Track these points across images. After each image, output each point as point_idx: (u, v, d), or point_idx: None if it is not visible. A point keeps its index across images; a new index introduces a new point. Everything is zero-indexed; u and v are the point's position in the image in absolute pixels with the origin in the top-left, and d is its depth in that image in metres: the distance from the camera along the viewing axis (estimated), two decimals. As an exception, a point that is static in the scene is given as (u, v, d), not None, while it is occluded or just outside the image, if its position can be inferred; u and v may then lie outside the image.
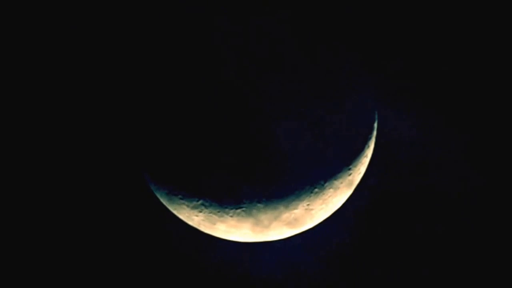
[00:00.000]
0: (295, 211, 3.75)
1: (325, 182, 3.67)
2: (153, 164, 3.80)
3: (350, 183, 4.01)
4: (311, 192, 3.66)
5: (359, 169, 3.96)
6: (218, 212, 3.72)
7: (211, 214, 3.78)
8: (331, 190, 3.78)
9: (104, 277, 5.13)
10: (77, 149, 5.04)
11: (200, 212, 3.81)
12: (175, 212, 4.17)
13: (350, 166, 3.81)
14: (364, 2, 5.03)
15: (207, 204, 3.70)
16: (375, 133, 4.10)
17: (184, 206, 3.87)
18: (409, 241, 5.20)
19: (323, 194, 3.75)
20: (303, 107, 3.47)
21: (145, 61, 3.65)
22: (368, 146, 3.99)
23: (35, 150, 5.00)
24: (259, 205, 3.60)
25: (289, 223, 3.89)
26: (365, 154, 3.95)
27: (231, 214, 3.71)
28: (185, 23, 3.54)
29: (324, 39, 3.75)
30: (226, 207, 3.69)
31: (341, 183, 3.83)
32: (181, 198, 3.82)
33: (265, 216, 3.70)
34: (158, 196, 4.16)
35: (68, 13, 4.78)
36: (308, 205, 3.76)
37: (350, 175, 3.86)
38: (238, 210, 3.67)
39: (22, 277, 5.05)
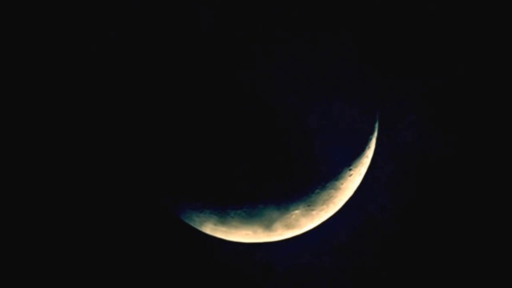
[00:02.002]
0: (296, 212, 3.75)
1: (326, 183, 3.67)
2: (154, 166, 3.80)
3: (351, 183, 4.00)
4: (312, 193, 3.66)
5: (359, 169, 3.96)
6: (220, 213, 3.72)
7: (212, 215, 3.77)
8: (332, 190, 3.78)
9: (106, 278, 5.13)
10: (78, 151, 5.04)
11: (201, 213, 3.81)
12: (176, 213, 4.17)
13: (351, 167, 3.81)
14: (367, 2, 5.03)
15: (208, 205, 3.70)
16: (376, 133, 4.10)
17: (186, 208, 3.87)
18: (410, 241, 5.20)
19: (324, 195, 3.75)
20: (304, 108, 3.47)
21: (158, 67, 3.62)
22: (369, 147, 3.99)
23: (39, 152, 5.00)
24: (260, 206, 3.59)
25: (290, 224, 3.89)
26: (365, 155, 3.95)
27: (232, 215, 3.71)
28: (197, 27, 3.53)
29: (328, 37, 3.75)
30: (227, 209, 3.68)
31: (342, 183, 3.83)
32: (182, 200, 3.82)
33: (266, 217, 3.69)
34: (160, 197, 4.16)
35: (69, 15, 4.77)
36: (309, 206, 3.75)
37: (351, 175, 3.86)
38: (239, 211, 3.66)
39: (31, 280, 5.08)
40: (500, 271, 5.10)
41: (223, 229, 3.91)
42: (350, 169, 3.81)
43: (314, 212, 3.87)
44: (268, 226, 3.81)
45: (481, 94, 5.11)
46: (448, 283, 5.16)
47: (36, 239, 5.07)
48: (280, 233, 3.99)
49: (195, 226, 4.12)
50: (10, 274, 5.03)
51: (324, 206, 3.90)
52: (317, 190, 3.66)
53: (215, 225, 3.89)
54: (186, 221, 4.20)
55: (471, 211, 5.15)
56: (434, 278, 5.18)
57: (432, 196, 5.18)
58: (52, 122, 4.93)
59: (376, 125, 4.09)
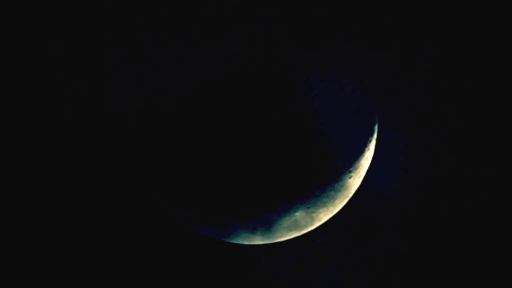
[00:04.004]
0: (296, 213, 3.75)
1: (325, 185, 3.67)
2: (155, 170, 3.79)
3: (351, 186, 4.01)
4: (312, 195, 3.66)
5: (359, 171, 3.97)
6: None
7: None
8: (331, 193, 3.78)
9: (108, 280, 5.14)
10: (75, 148, 5.04)
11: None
12: (175, 213, 4.17)
13: (351, 169, 3.81)
14: (366, 3, 5.03)
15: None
16: (375, 135, 4.10)
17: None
18: (409, 242, 5.21)
19: (324, 197, 3.75)
20: (303, 110, 3.47)
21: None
22: (369, 149, 3.99)
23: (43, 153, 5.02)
24: (261, 209, 3.60)
25: (290, 226, 3.89)
26: (365, 157, 3.96)
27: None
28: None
29: (328, 39, 3.74)
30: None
31: (342, 185, 3.83)
32: (180, 200, 3.82)
33: (267, 219, 3.70)
34: (158, 198, 4.16)
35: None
36: (308, 208, 3.76)
37: (350, 177, 3.86)
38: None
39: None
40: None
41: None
42: (350, 171, 3.81)
43: (314, 215, 3.88)
44: (267, 228, 3.82)
45: (486, 96, 5.11)
46: (448, 279, 5.18)
47: (55, 244, 5.10)
48: (279, 235, 4.00)
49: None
50: (7, 274, 5.04)
51: (324, 208, 3.90)
52: (317, 193, 3.66)
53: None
54: (185, 222, 4.21)
55: (475, 212, 5.15)
56: (436, 279, 5.19)
57: (432, 196, 5.19)
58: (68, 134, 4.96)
59: (376, 127, 4.09)
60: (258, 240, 4.04)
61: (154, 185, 3.86)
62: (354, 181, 3.98)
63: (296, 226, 3.94)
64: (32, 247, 5.07)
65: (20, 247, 5.06)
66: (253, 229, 3.83)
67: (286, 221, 3.78)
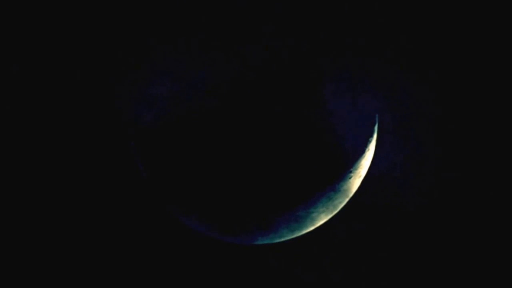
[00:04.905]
0: (296, 214, 3.75)
1: (325, 186, 3.68)
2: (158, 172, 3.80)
3: (351, 186, 4.01)
4: (312, 196, 3.66)
5: (359, 172, 3.97)
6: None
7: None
8: (331, 193, 3.78)
9: (109, 280, 5.15)
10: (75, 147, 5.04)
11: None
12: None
13: (351, 169, 3.81)
14: (366, 4, 5.03)
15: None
16: (375, 136, 4.11)
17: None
18: (409, 242, 5.21)
19: (324, 197, 3.75)
20: (303, 110, 3.47)
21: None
22: (369, 149, 3.99)
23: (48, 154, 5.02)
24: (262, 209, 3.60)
25: (290, 226, 3.90)
26: (365, 157, 3.96)
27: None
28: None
29: (326, 39, 3.74)
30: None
31: (342, 186, 3.84)
32: (179, 200, 3.83)
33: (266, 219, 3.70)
34: (160, 197, 4.17)
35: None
36: (309, 208, 3.76)
37: (350, 178, 3.87)
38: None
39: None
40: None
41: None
42: (350, 172, 3.81)
43: (314, 215, 3.88)
44: (268, 228, 3.82)
45: (489, 98, 5.11)
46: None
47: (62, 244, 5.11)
48: (279, 236, 4.00)
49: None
50: (10, 274, 5.05)
51: (324, 209, 3.91)
52: (317, 193, 3.67)
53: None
54: (182, 220, 4.22)
55: (476, 212, 5.15)
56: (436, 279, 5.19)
57: (432, 197, 5.19)
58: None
59: (376, 127, 4.09)
60: (258, 240, 4.04)
61: (159, 187, 3.87)
62: (354, 181, 3.98)
63: (296, 226, 3.94)
64: (35, 247, 5.08)
65: (22, 247, 5.08)
66: (253, 229, 3.84)
67: (287, 221, 3.79)
